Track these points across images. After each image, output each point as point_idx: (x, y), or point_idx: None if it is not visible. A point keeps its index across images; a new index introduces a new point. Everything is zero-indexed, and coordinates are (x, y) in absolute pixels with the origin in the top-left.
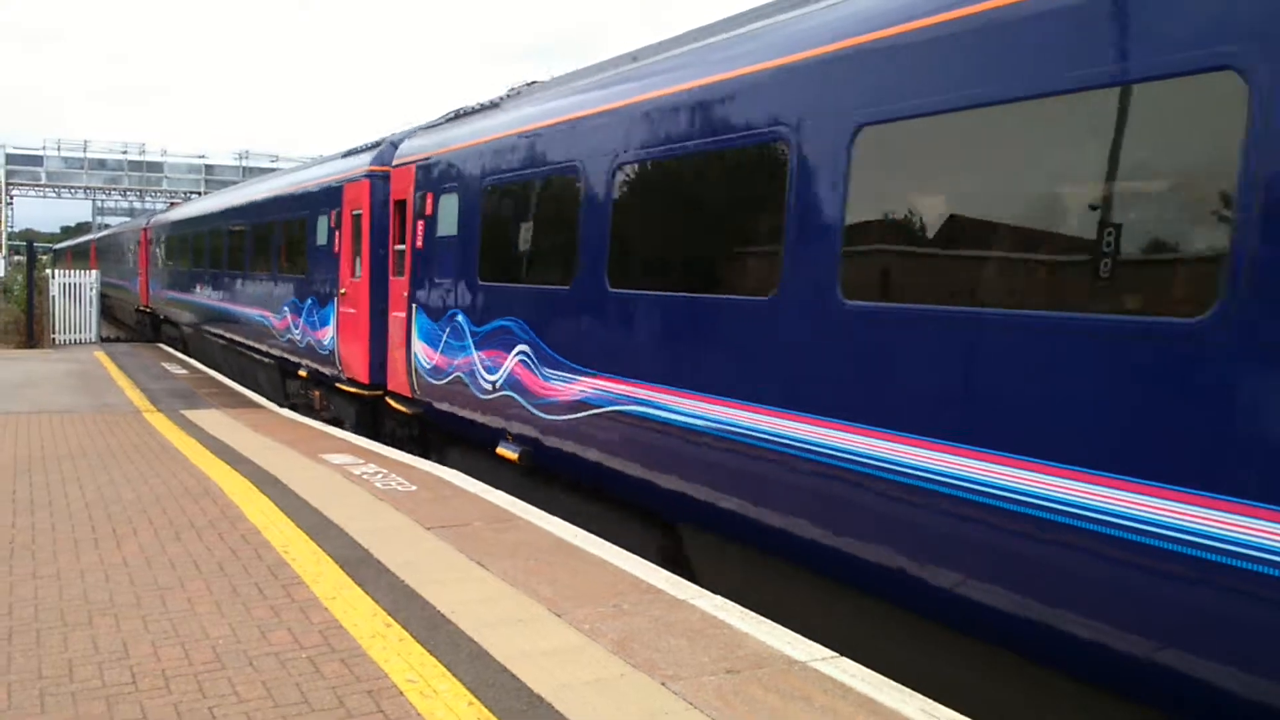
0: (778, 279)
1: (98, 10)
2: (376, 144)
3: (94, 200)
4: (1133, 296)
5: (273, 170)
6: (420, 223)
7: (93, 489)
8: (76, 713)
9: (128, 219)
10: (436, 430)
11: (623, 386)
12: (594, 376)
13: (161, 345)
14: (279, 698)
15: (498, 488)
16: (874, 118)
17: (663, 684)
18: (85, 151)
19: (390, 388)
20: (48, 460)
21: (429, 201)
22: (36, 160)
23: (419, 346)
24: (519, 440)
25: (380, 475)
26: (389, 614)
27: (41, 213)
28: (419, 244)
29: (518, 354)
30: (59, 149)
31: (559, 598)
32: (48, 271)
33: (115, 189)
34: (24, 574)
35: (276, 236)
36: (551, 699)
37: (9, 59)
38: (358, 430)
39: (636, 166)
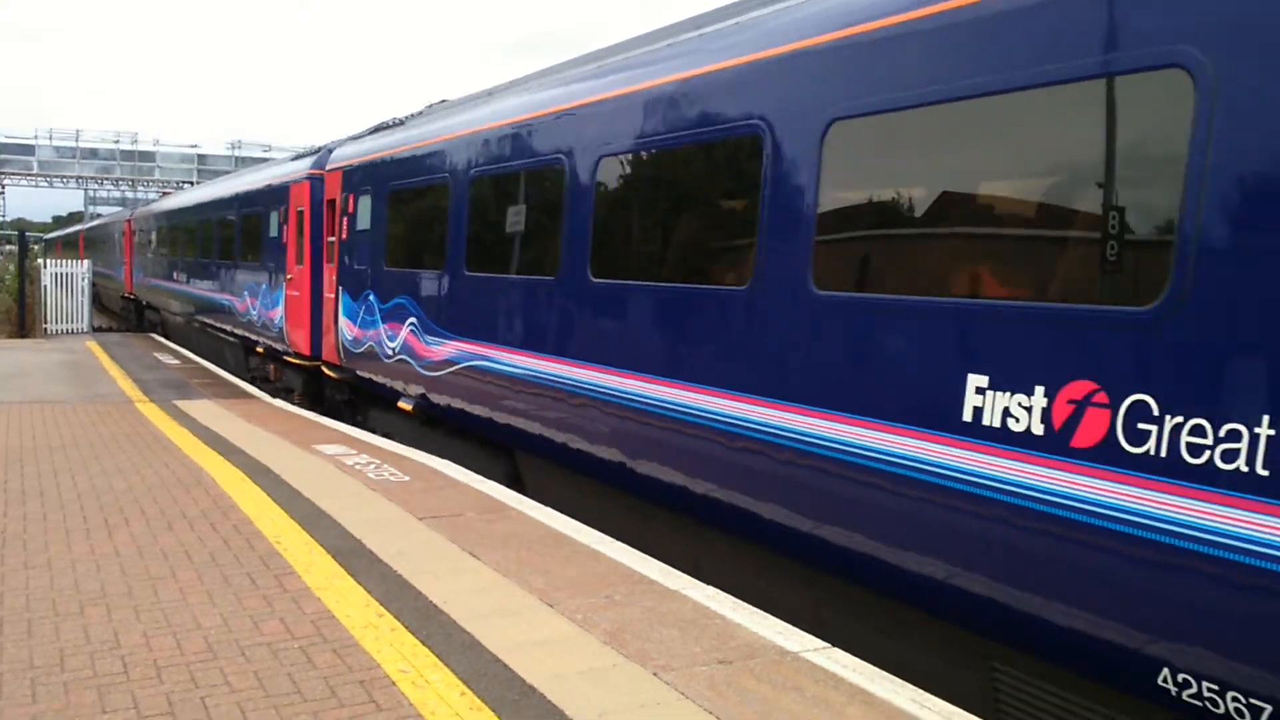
0: (559, 263)
1: (95, 6)
2: (317, 150)
3: (86, 190)
4: (726, 276)
5: (266, 160)
6: (345, 219)
7: (84, 479)
8: (68, 702)
9: (120, 208)
10: (360, 393)
11: (472, 347)
12: (455, 340)
13: (154, 335)
14: (271, 688)
15: (398, 437)
16: (607, 151)
17: (655, 674)
18: (77, 141)
19: (325, 358)
20: (39, 450)
21: (351, 201)
22: (28, 149)
23: (344, 322)
24: (413, 395)
25: (373, 466)
26: (381, 604)
27: (33, 202)
28: (344, 236)
29: (409, 325)
30: (51, 138)
31: (551, 588)
32: (40, 261)
33: (107, 179)
34: (15, 564)
35: (238, 229)
36: (544, 689)
37: (6, 57)
38: (304, 397)
39: (483, 179)
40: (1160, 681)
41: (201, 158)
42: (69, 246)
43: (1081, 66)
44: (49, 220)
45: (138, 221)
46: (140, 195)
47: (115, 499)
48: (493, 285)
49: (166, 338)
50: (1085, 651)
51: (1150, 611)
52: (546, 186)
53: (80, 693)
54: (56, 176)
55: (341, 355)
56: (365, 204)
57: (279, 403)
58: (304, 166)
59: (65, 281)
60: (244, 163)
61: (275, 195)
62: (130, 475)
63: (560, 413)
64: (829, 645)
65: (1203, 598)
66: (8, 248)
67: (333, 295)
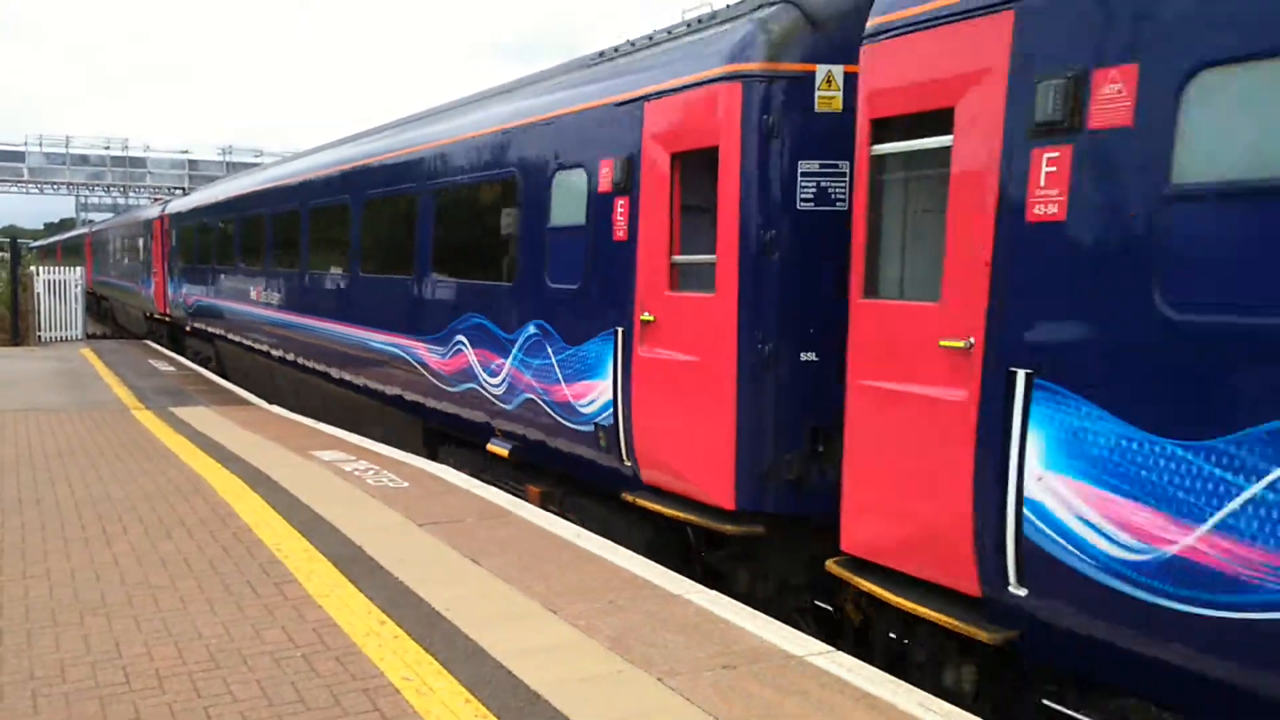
0: (214, 259)
1: (80, 5)
2: (166, 201)
3: (77, 196)
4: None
5: (255, 165)
6: (168, 241)
7: (82, 487)
8: (70, 713)
9: (110, 215)
10: (179, 328)
11: (200, 298)
12: (195, 296)
13: (149, 343)
14: (274, 697)
15: (195, 343)
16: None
17: (659, 680)
18: (68, 147)
19: (168, 314)
20: (35, 458)
21: (172, 232)
22: (18, 156)
23: (170, 293)
24: (189, 320)
25: (371, 472)
26: (383, 611)
27: (24, 208)
28: (168, 249)
29: (183, 290)
30: (41, 145)
31: (553, 594)
32: (33, 268)
33: (99, 185)
34: (14, 573)
35: (134, 243)
36: (549, 696)
37: None
38: (168, 338)
39: (204, 224)
40: None
41: (193, 163)
42: (48, 254)
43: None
44: (40, 227)
45: (94, 236)
46: (133, 201)
47: (113, 507)
48: (201, 270)
49: (114, 316)
50: None
51: None
52: (198, 227)
53: (82, 703)
54: (47, 183)
55: (170, 310)
56: (175, 233)
57: (276, 409)
58: (158, 211)
59: (59, 289)
60: (235, 168)
61: (147, 226)
62: (128, 483)
63: (229, 320)
64: (833, 649)
65: None
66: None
67: (166, 280)
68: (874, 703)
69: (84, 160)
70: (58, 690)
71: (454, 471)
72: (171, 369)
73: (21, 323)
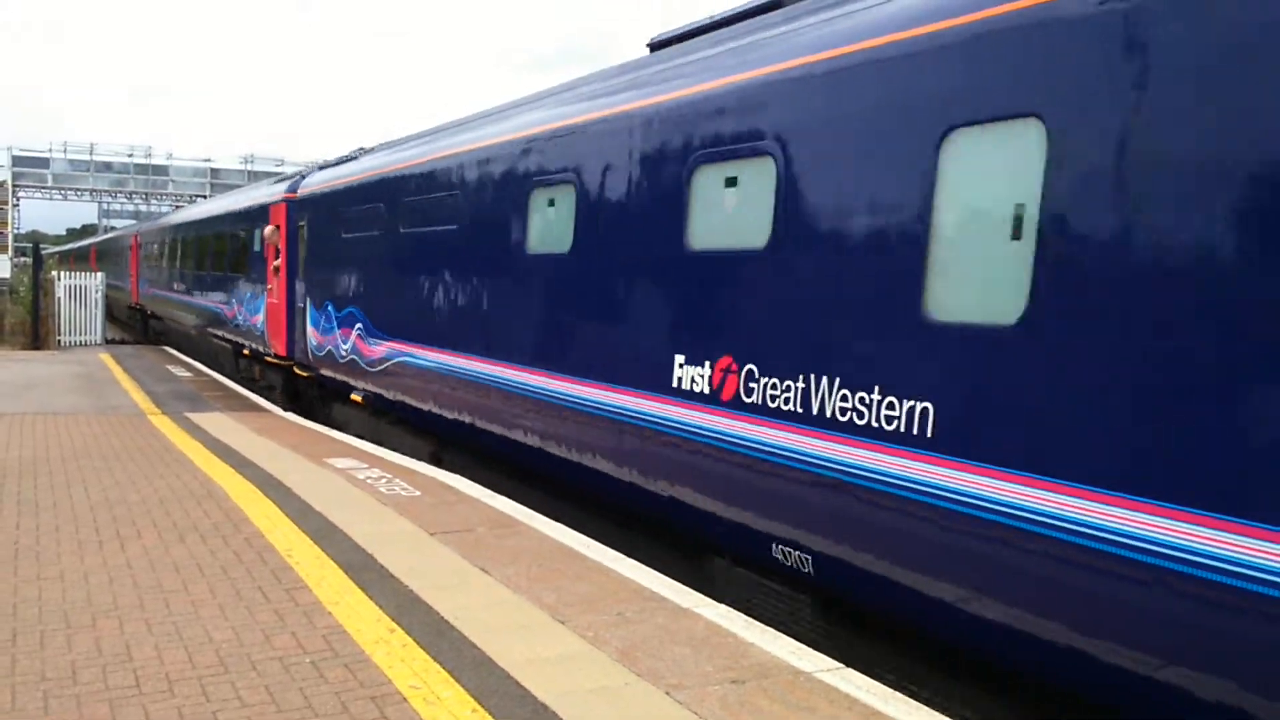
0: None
1: (104, 11)
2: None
3: (100, 203)
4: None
5: (277, 174)
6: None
7: (97, 491)
8: (80, 715)
9: (133, 222)
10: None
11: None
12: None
13: (166, 348)
14: (282, 702)
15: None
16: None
17: (667, 693)
18: (91, 154)
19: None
20: (52, 462)
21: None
22: (43, 163)
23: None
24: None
25: (384, 480)
26: (393, 619)
27: (48, 214)
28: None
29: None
30: (65, 151)
31: (562, 604)
32: (54, 274)
33: (121, 192)
34: (28, 575)
35: (127, 253)
36: (555, 707)
37: (16, 59)
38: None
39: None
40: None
41: (214, 171)
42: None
43: None
44: (63, 233)
45: (76, 251)
46: (154, 208)
47: (128, 511)
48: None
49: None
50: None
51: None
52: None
53: (92, 706)
54: (71, 189)
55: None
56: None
57: (291, 416)
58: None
59: (79, 294)
60: (256, 176)
61: (123, 242)
62: (143, 487)
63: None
64: (842, 665)
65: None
66: (22, 259)
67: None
68: None
69: (107, 167)
70: (69, 692)
71: (466, 481)
72: (188, 375)
73: (42, 327)
